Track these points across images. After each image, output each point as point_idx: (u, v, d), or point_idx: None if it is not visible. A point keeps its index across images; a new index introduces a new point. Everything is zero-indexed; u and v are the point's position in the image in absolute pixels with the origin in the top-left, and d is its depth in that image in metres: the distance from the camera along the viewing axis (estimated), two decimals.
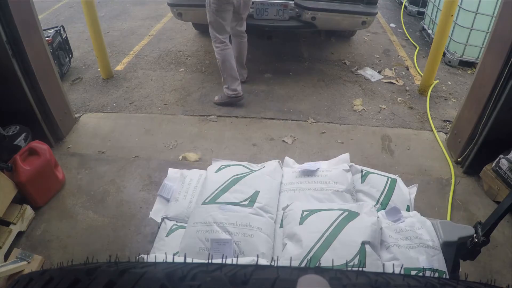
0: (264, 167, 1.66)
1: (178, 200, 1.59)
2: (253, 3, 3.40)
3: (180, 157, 2.71)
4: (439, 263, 1.22)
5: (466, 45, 3.99)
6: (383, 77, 3.86)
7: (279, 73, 3.82)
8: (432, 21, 4.56)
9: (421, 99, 3.53)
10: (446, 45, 4.02)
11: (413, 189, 1.66)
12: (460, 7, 3.75)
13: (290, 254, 1.18)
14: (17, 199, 2.15)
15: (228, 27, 3.02)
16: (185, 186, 1.65)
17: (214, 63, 4.04)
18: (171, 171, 1.78)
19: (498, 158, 2.37)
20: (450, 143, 2.86)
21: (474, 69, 4.00)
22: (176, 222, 1.52)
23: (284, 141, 2.87)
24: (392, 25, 5.25)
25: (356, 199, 1.55)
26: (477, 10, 3.69)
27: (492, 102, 2.36)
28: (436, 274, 1.16)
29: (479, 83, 2.51)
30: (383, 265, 1.17)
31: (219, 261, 1.09)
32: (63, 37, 3.80)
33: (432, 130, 3.08)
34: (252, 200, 1.44)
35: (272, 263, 1.10)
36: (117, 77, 3.78)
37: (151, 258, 1.19)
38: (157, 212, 1.64)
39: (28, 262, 1.88)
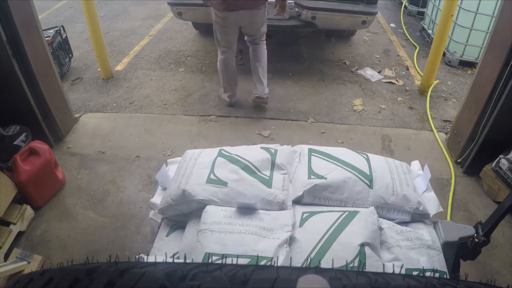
0: None
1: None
2: None
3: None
4: (440, 263, 1.22)
5: (466, 45, 3.99)
6: (383, 77, 3.86)
7: (279, 73, 3.82)
8: (432, 21, 4.56)
9: (421, 99, 3.53)
10: (446, 45, 4.02)
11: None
12: (460, 7, 3.75)
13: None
14: (17, 199, 2.15)
15: None
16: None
17: (214, 63, 4.03)
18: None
19: (498, 158, 2.37)
20: (450, 143, 2.86)
21: (474, 69, 4.00)
22: (176, 222, 1.51)
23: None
24: (392, 25, 5.25)
25: None
26: (477, 10, 3.69)
27: (492, 102, 2.36)
28: (437, 275, 1.16)
29: (479, 83, 2.51)
30: (383, 265, 1.16)
31: (219, 261, 1.08)
32: (63, 37, 3.80)
33: (432, 130, 3.08)
34: None
35: (272, 263, 1.10)
36: (117, 77, 3.78)
37: (151, 258, 1.19)
38: (155, 206, 1.61)
39: (28, 262, 1.88)
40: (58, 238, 2.13)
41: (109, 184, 2.49)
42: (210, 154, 1.52)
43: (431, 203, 1.45)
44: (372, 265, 1.14)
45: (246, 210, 1.29)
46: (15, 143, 2.32)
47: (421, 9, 5.40)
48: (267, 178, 1.41)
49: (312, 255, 1.14)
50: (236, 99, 3.29)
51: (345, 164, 1.44)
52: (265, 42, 3.14)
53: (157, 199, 1.55)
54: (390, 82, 3.78)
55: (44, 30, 3.08)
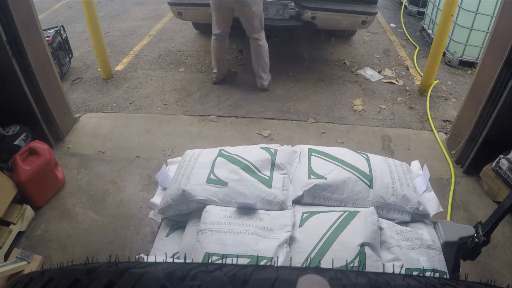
0: None
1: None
2: None
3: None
4: (440, 263, 1.22)
5: (466, 45, 3.99)
6: (383, 77, 3.86)
7: (279, 73, 3.82)
8: (432, 21, 4.56)
9: (421, 99, 3.53)
10: (446, 45, 4.02)
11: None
12: (460, 7, 3.75)
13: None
14: (17, 199, 2.15)
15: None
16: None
17: None
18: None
19: (498, 158, 2.37)
20: (450, 143, 2.86)
21: (474, 69, 4.00)
22: (176, 222, 1.51)
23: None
24: (392, 25, 5.25)
25: None
26: (477, 10, 3.69)
27: (492, 102, 2.36)
28: (437, 275, 1.16)
29: (479, 83, 2.51)
30: (383, 265, 1.16)
31: (219, 261, 1.08)
32: (63, 37, 3.80)
33: (432, 130, 3.08)
34: None
35: (272, 263, 1.10)
36: (117, 77, 3.78)
37: (151, 258, 1.19)
38: (155, 206, 1.61)
39: (28, 262, 1.88)
40: (58, 238, 2.13)
41: (109, 184, 2.49)
42: (210, 154, 1.52)
43: (431, 203, 1.45)
44: (372, 265, 1.14)
45: (246, 210, 1.29)
46: (15, 143, 2.32)
47: (421, 9, 5.40)
48: (267, 178, 1.41)
49: (312, 255, 1.14)
50: (221, 79, 3.61)
51: (345, 164, 1.44)
52: (263, 39, 3.26)
53: (157, 199, 1.55)
54: (390, 82, 3.78)
55: (44, 30, 3.09)
